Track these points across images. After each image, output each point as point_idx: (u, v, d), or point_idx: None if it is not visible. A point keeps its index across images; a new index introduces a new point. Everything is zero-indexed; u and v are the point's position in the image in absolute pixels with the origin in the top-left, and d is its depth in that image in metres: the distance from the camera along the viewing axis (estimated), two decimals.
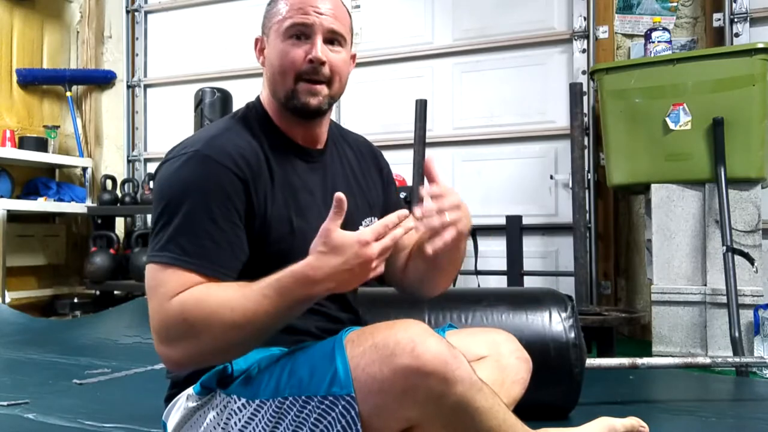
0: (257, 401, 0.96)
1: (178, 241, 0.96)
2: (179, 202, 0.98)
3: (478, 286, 3.10)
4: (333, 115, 1.24)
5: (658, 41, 2.71)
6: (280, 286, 0.91)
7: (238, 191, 1.00)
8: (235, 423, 0.98)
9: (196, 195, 0.97)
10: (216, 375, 1.00)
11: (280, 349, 1.03)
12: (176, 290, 0.94)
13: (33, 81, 4.21)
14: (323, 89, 1.08)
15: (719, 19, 3.00)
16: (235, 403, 0.98)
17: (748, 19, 2.95)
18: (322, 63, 1.06)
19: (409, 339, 0.88)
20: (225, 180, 0.99)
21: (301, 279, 0.90)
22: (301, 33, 1.06)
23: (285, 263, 0.93)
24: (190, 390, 1.05)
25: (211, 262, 0.97)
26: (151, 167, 4.28)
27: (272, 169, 1.06)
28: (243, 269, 1.01)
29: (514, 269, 3.04)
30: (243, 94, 3.84)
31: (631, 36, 3.23)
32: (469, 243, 3.16)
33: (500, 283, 3.12)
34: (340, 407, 0.90)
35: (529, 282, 3.12)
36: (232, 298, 0.92)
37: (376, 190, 1.25)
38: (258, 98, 1.16)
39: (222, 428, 0.99)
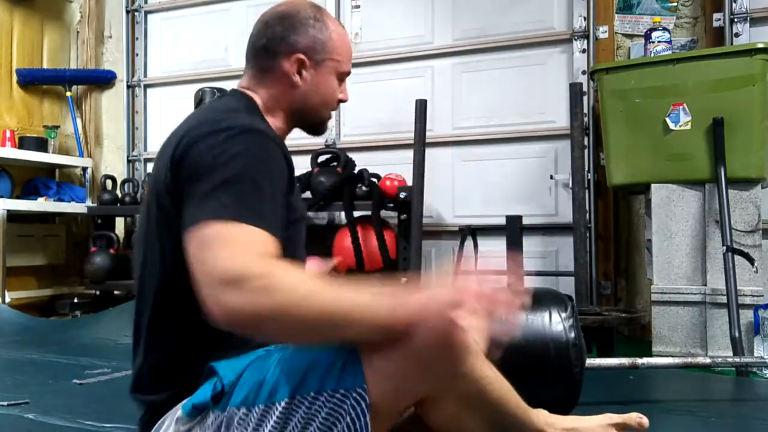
0: (261, 407, 0.94)
1: (246, 202, 0.92)
2: (243, 169, 0.95)
3: None
4: (334, 114, 1.30)
5: (658, 41, 2.71)
6: (396, 295, 0.89)
7: (284, 169, 1.04)
8: None
9: (260, 164, 0.97)
10: (207, 393, 0.97)
11: (264, 351, 1.01)
12: (261, 245, 0.89)
13: (33, 81, 4.21)
14: None
15: (719, 19, 3.00)
16: (236, 414, 0.95)
17: (748, 19, 2.95)
18: None
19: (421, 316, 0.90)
20: (279, 156, 1.02)
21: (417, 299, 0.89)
22: (344, 78, 1.23)
23: (288, 244, 0.97)
24: (177, 413, 1.01)
25: (274, 228, 0.93)
26: (151, 167, 4.28)
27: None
28: None
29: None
30: None
31: (631, 36, 3.23)
32: (469, 242, 3.16)
33: None
34: (351, 399, 0.91)
35: (529, 282, 3.11)
36: (338, 289, 0.88)
37: None
38: (249, 98, 1.16)
39: None
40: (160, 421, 1.05)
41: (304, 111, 1.18)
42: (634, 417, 1.23)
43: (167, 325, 1.05)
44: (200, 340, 1.02)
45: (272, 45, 1.14)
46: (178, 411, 1.01)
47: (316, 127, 1.24)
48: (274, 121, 1.16)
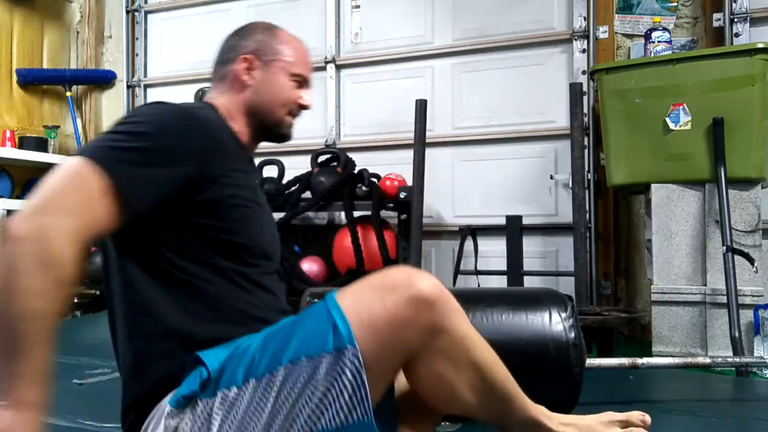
0: (252, 381, 0.96)
1: (131, 161, 0.96)
2: (152, 132, 1.01)
3: (478, 286, 3.10)
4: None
5: (658, 41, 2.71)
6: None
7: (201, 148, 1.06)
8: (237, 412, 0.96)
9: (172, 136, 1.02)
10: (195, 382, 0.98)
11: (246, 339, 1.03)
12: (87, 215, 0.91)
13: (33, 81, 4.22)
14: None
15: (719, 19, 3.00)
16: (227, 395, 0.96)
17: (748, 19, 2.95)
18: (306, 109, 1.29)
19: (406, 277, 0.98)
20: (202, 134, 1.07)
21: None
22: (301, 82, 1.27)
23: (244, 236, 1.08)
24: (164, 409, 1.00)
25: (130, 186, 0.95)
26: None
27: (238, 156, 1.17)
28: (205, 235, 1.06)
29: (514, 269, 3.04)
30: None
31: (631, 36, 3.23)
32: (469, 242, 3.16)
33: (500, 283, 3.12)
34: (346, 359, 0.93)
35: (529, 282, 3.12)
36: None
37: None
38: (209, 103, 1.24)
39: (231, 424, 0.96)
40: (147, 420, 1.04)
41: (258, 110, 1.23)
42: (637, 415, 1.22)
43: (143, 315, 1.06)
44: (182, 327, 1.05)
45: (224, 55, 1.26)
46: (164, 407, 1.01)
47: (275, 128, 1.25)
48: (236, 126, 1.22)
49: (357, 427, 0.93)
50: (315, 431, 0.94)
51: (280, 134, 1.27)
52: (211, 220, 1.06)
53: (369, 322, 0.95)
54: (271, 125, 1.25)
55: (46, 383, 0.93)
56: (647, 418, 1.22)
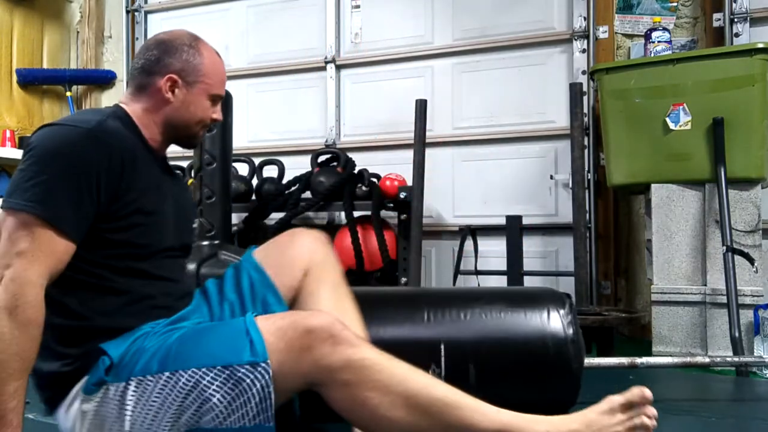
0: (167, 373, 1.07)
1: (56, 202, 1.08)
2: (62, 166, 1.10)
3: (478, 285, 3.10)
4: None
5: (658, 41, 2.71)
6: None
7: (114, 169, 1.15)
8: (149, 398, 1.07)
9: (78, 165, 1.11)
10: (101, 368, 1.10)
11: (150, 326, 1.16)
12: (46, 259, 1.05)
13: (33, 81, 4.21)
14: None
15: (719, 19, 3.00)
16: (141, 381, 1.08)
17: (748, 19, 2.95)
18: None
19: (309, 313, 1.13)
20: (91, 151, 1.13)
21: None
22: (215, 100, 1.35)
23: (144, 237, 1.19)
24: (78, 395, 1.12)
25: (75, 228, 1.10)
26: None
27: (143, 161, 1.24)
28: (100, 237, 1.15)
29: (514, 269, 3.04)
30: (242, 94, 3.86)
31: (631, 36, 3.23)
32: (469, 242, 3.16)
33: (500, 282, 3.12)
34: (257, 372, 1.05)
35: (529, 282, 3.12)
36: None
37: None
38: (120, 107, 1.30)
39: (143, 408, 1.07)
40: (63, 403, 1.15)
41: (175, 125, 1.31)
42: (636, 392, 1.13)
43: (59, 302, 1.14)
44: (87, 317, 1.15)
45: (149, 66, 1.30)
46: (78, 393, 1.13)
47: (188, 141, 1.36)
48: (149, 132, 1.29)
49: (258, 429, 1.06)
50: (218, 429, 1.06)
51: (191, 145, 1.39)
52: (111, 229, 1.16)
53: (275, 347, 1.06)
54: (184, 138, 1.35)
55: (18, 421, 1.03)
56: (647, 392, 1.12)
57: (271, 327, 1.09)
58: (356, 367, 1.06)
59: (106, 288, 1.16)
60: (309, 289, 1.34)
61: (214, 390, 1.05)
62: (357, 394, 1.07)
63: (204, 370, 1.06)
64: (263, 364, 1.05)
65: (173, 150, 1.41)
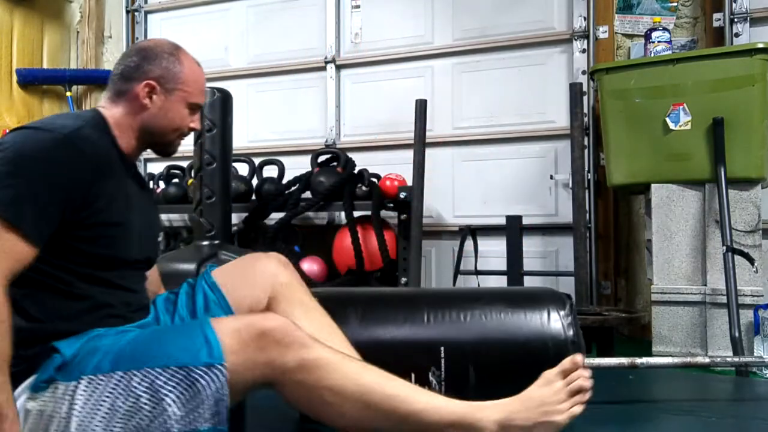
0: (119, 372, 1.06)
1: (22, 205, 1.08)
2: (33, 171, 1.10)
3: (478, 285, 3.10)
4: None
5: (658, 41, 2.71)
6: None
7: (84, 178, 1.15)
8: (100, 398, 1.05)
9: (49, 171, 1.11)
10: (51, 366, 1.08)
11: (105, 330, 1.16)
12: (6, 260, 1.05)
13: (33, 81, 4.21)
14: None
15: (719, 19, 3.00)
16: (92, 380, 1.06)
17: (748, 19, 2.95)
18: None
19: (262, 315, 1.15)
20: (77, 166, 1.14)
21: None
22: (195, 109, 1.36)
23: (109, 248, 1.19)
24: (24, 393, 1.09)
25: (38, 233, 1.09)
26: (151, 167, 4.28)
27: (115, 169, 1.24)
28: (65, 244, 1.15)
29: (514, 269, 3.04)
30: (242, 94, 3.86)
31: (631, 36, 3.23)
32: (469, 242, 3.16)
33: (500, 283, 3.12)
34: (212, 374, 1.05)
35: (529, 282, 3.12)
36: None
37: None
38: (98, 112, 1.30)
39: (93, 406, 1.05)
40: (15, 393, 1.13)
41: (152, 132, 1.32)
42: (566, 360, 1.20)
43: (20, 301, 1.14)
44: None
45: (128, 72, 1.30)
46: (23, 393, 1.10)
47: (164, 148, 1.36)
48: (125, 138, 1.29)
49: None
50: (171, 430, 1.05)
51: (166, 152, 1.38)
52: (77, 236, 1.15)
53: (231, 348, 1.07)
54: (160, 145, 1.35)
55: (14, 413, 1.04)
56: (578, 357, 1.20)
57: (226, 328, 1.09)
58: (310, 367, 1.08)
59: (67, 292, 1.16)
60: (279, 311, 1.33)
61: (168, 391, 1.05)
62: (312, 393, 1.09)
63: (158, 370, 1.06)
64: (219, 366, 1.06)
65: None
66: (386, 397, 1.10)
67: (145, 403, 1.05)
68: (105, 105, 1.32)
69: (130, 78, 1.30)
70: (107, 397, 1.05)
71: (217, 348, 1.06)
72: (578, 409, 1.16)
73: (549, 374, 1.19)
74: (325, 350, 1.12)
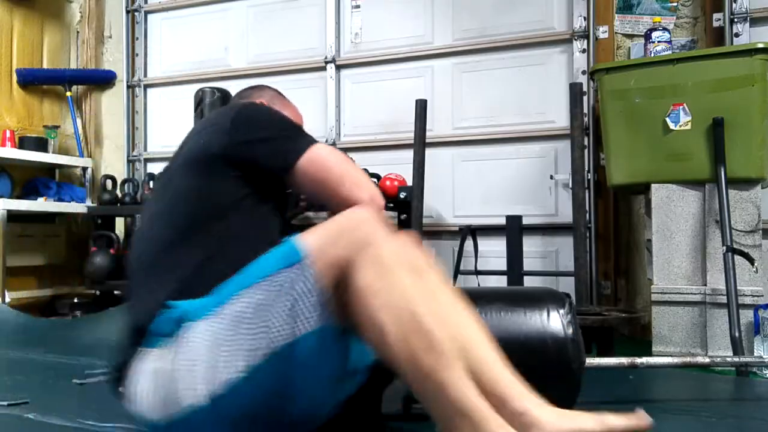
0: (226, 303, 1.08)
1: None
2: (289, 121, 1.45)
3: (478, 285, 3.10)
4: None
5: (658, 41, 2.71)
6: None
7: None
8: (214, 333, 1.06)
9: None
10: (169, 320, 1.10)
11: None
12: None
13: (33, 81, 4.22)
14: None
15: (719, 19, 3.00)
16: (209, 318, 1.08)
17: (748, 19, 2.95)
18: None
19: (353, 207, 1.19)
20: None
21: None
22: None
23: None
24: (145, 356, 1.11)
25: None
26: (152, 167, 4.28)
27: None
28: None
29: (514, 269, 3.04)
30: None
31: (631, 36, 3.23)
32: (470, 242, 3.16)
33: (500, 283, 3.11)
34: (296, 269, 1.07)
35: (529, 282, 3.12)
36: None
37: None
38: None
39: (209, 341, 1.06)
40: (135, 371, 1.13)
41: None
42: (633, 424, 1.01)
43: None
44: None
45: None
46: (144, 354, 1.12)
47: None
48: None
49: (322, 332, 1.06)
50: (288, 345, 1.04)
51: None
52: None
53: (315, 238, 1.11)
54: None
55: None
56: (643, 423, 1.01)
57: (309, 232, 1.13)
58: (387, 267, 1.05)
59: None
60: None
61: (264, 299, 1.07)
62: (372, 282, 1.04)
63: (253, 288, 1.08)
64: (302, 262, 1.07)
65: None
66: (435, 326, 1.01)
67: (248, 319, 1.06)
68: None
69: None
70: (222, 322, 1.07)
71: (296, 248, 1.09)
72: None
73: (610, 420, 1.01)
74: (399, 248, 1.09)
